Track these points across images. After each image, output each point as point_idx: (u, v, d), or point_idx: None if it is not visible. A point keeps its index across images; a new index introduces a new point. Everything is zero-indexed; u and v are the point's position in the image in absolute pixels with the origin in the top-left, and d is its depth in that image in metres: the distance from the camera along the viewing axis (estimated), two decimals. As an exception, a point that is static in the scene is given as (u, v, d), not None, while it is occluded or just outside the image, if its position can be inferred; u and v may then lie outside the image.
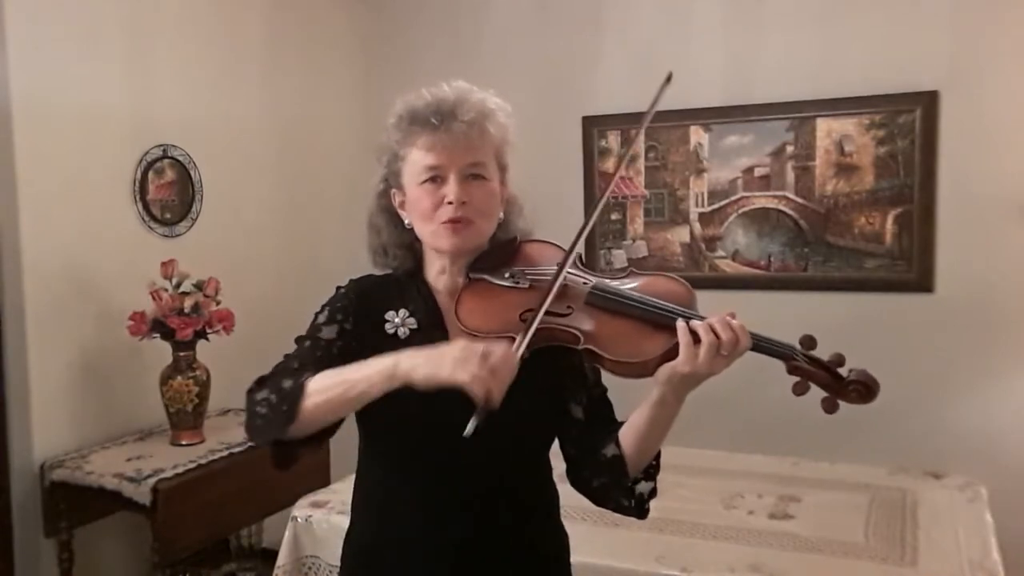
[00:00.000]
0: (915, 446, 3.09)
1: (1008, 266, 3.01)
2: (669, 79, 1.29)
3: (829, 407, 1.25)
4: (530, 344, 1.20)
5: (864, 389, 1.23)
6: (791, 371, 1.24)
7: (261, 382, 1.28)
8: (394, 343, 1.33)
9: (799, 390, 1.24)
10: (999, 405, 3.05)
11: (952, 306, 3.09)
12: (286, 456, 1.25)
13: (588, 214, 1.40)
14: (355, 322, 1.35)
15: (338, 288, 1.41)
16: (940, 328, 3.11)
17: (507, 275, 1.33)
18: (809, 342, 1.26)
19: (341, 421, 1.26)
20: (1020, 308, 3.01)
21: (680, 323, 1.20)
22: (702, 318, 1.22)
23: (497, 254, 1.36)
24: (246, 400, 1.27)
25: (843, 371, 1.25)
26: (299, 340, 1.35)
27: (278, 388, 1.23)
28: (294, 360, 1.32)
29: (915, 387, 3.12)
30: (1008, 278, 3.02)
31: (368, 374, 1.17)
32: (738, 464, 2.90)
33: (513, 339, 1.24)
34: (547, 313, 1.24)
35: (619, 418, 1.38)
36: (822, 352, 1.26)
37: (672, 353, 1.20)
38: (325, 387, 1.19)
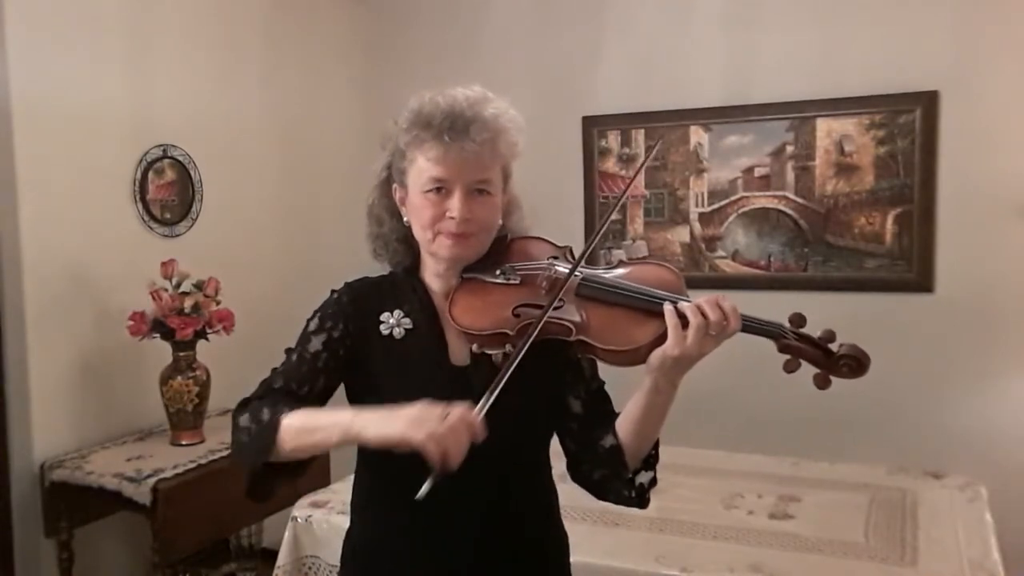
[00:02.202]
0: (915, 446, 3.10)
1: (1008, 266, 3.01)
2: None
3: (821, 383, 1.25)
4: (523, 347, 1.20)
5: (855, 363, 1.24)
6: (782, 349, 1.25)
7: (244, 405, 1.30)
8: (390, 344, 1.34)
9: (790, 367, 1.25)
10: (999, 405, 3.04)
11: (952, 306, 3.09)
12: (263, 489, 1.29)
13: (603, 217, 1.39)
14: (346, 327, 1.34)
15: (332, 292, 1.40)
16: (940, 328, 3.11)
17: (498, 272, 1.34)
18: (799, 320, 1.27)
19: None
20: (1020, 308, 3.01)
21: (667, 306, 1.21)
22: (690, 302, 1.22)
23: (489, 253, 1.36)
24: (231, 422, 1.30)
25: (833, 346, 1.25)
26: (288, 352, 1.36)
27: (257, 418, 1.25)
28: (279, 377, 1.33)
29: (915, 387, 3.12)
30: (1008, 278, 3.02)
31: (330, 423, 1.19)
32: (738, 464, 2.90)
33: (507, 335, 1.25)
34: (540, 308, 1.24)
35: (617, 409, 1.38)
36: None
37: (663, 339, 1.20)
38: (295, 429, 1.21)
